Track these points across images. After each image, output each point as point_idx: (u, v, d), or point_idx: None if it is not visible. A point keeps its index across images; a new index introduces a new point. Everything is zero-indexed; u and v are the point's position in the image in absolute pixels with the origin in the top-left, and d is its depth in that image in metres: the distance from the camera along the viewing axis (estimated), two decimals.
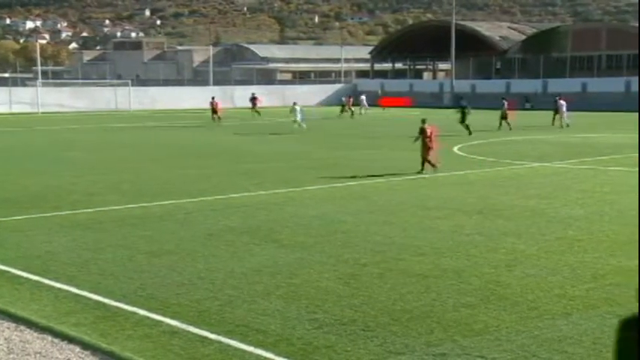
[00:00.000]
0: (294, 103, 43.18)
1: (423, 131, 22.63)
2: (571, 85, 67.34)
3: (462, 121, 38.01)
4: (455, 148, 30.58)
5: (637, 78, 64.34)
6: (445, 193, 19.00)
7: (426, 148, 22.53)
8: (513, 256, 12.28)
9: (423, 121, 22.82)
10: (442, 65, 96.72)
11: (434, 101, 70.17)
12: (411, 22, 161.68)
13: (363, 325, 8.92)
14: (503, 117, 41.05)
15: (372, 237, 13.78)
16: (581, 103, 60.15)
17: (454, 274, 11.18)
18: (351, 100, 57.56)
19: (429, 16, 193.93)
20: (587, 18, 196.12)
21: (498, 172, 23.22)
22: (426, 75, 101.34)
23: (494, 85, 71.66)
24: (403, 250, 12.79)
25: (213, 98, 50.30)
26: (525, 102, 62.92)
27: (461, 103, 39.89)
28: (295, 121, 41.15)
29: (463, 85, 73.34)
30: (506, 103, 42.03)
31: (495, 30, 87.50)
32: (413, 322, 8.99)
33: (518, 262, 11.83)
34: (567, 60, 77.13)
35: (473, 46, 79.58)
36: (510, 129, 39.83)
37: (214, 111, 48.60)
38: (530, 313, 9.31)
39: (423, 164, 22.66)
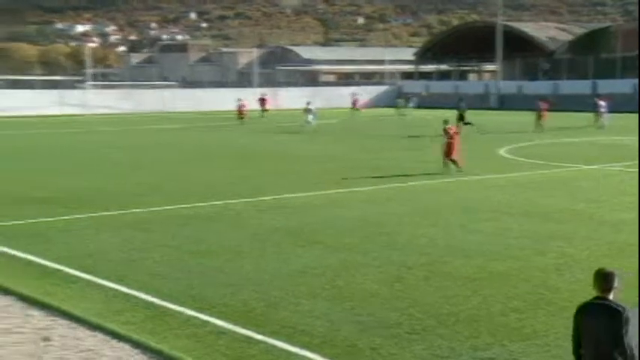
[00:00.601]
0: (308, 103, 44.07)
1: (446, 132, 23.25)
2: (622, 86, 65.96)
3: (460, 119, 39.54)
4: (501, 151, 30.28)
5: None
6: (491, 196, 18.82)
7: (449, 148, 22.99)
8: (562, 260, 12.11)
9: (446, 122, 23.64)
10: (488, 66, 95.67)
11: (480, 103, 69.52)
12: (455, 23, 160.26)
13: (409, 327, 8.89)
14: (539, 118, 40.87)
15: (417, 239, 13.72)
16: (634, 104, 58.89)
17: (501, 277, 11.07)
18: (357, 99, 58.27)
19: (474, 17, 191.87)
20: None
21: (545, 175, 22.93)
22: (472, 76, 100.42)
23: (541, 87, 70.59)
24: (448, 252, 12.71)
25: (239, 100, 50.59)
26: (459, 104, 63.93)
27: (459, 105, 42.16)
28: (308, 122, 42.18)
29: (509, 86, 72.50)
30: (541, 104, 41.67)
31: (542, 30, 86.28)
32: (459, 326, 8.93)
33: (567, 267, 11.66)
34: (617, 60, 75.67)
35: (519, 46, 78.55)
36: (537, 131, 39.41)
37: (240, 112, 48.87)
38: None
39: (454, 163, 23.00)
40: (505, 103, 68.60)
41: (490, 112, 63.33)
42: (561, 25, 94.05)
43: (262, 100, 55.69)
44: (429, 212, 16.55)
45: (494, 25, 73.18)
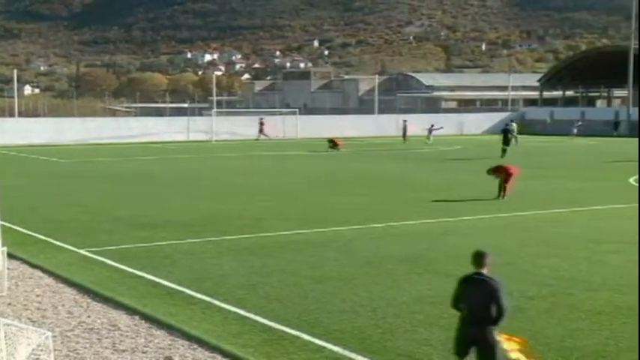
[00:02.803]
0: (432, 126, 55.68)
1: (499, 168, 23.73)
2: None
3: (505, 143, 40.84)
4: (631, 179, 29.01)
5: None
6: (619, 227, 18.03)
7: (507, 176, 23.20)
8: None
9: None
10: (618, 92, 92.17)
11: (608, 130, 66.99)
12: (584, 48, 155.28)
13: None
14: None
15: (539, 270, 13.31)
16: None
17: (630, 311, 10.57)
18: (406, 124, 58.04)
19: (605, 41, 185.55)
20: None
21: None
22: (600, 103, 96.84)
23: None
24: (572, 284, 12.26)
25: (261, 122, 55.45)
26: (614, 130, 61.75)
27: (507, 127, 43.57)
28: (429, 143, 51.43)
29: None
30: None
31: None
32: None
33: None
34: None
35: None
36: None
37: (261, 130, 53.19)
38: None
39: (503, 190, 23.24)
40: (635, 130, 65.76)
41: (620, 139, 60.93)
42: None
43: (261, 124, 59.24)
44: (552, 242, 16.03)
45: (627, 50, 70.44)
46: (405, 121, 59.62)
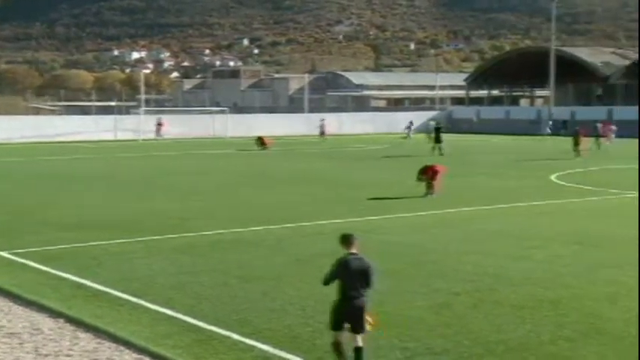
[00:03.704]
0: (411, 122, 60.61)
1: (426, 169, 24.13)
2: None
3: (437, 141, 42.61)
4: (552, 177, 29.84)
5: None
6: (541, 223, 18.54)
7: (434, 174, 23.70)
8: (615, 288, 11.85)
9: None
10: (540, 92, 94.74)
11: (531, 128, 68.74)
12: (508, 48, 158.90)
13: (457, 355, 8.79)
14: (576, 144, 40.25)
15: (464, 266, 13.57)
16: None
17: (551, 305, 10.89)
18: (324, 124, 59.15)
19: (528, 42, 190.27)
20: None
21: (597, 202, 22.49)
22: (523, 102, 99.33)
23: (595, 112, 69.32)
24: (497, 280, 12.54)
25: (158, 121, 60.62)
26: (562, 128, 64.58)
27: (435, 126, 45.65)
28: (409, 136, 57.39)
29: (562, 112, 71.43)
30: (578, 129, 41.58)
31: (597, 55, 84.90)
32: (508, 354, 8.82)
33: (620, 295, 11.41)
34: None
35: (573, 72, 77.51)
36: (578, 156, 38.90)
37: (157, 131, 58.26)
38: (634, 348, 8.95)
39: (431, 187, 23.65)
40: (557, 128, 67.66)
41: (542, 137, 62.58)
42: (618, 51, 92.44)
43: (158, 125, 61.24)
44: (476, 239, 16.36)
45: (548, 50, 72.41)
46: (322, 120, 60.46)
